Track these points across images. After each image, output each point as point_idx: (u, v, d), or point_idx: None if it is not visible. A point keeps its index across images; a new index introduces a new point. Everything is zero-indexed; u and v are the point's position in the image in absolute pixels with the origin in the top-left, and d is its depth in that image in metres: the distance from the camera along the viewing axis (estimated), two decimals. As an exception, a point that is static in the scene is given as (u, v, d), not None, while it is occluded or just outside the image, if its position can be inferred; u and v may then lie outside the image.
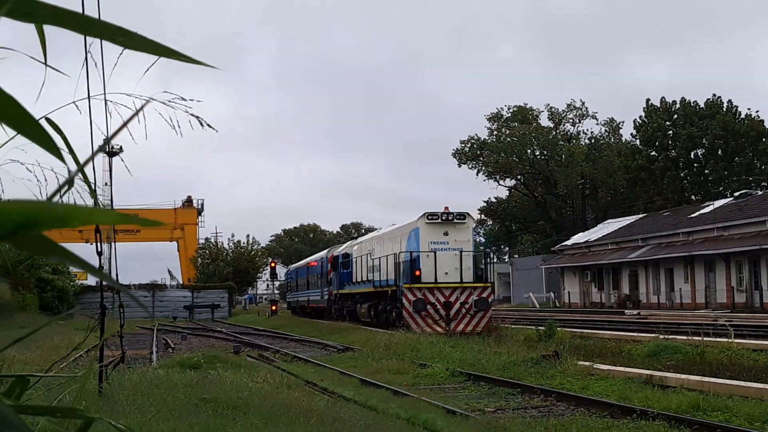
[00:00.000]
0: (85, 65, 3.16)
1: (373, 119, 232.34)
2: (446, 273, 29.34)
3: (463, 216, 30.30)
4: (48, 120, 1.59)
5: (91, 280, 59.78)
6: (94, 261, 8.81)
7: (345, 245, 45.94)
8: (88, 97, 3.16)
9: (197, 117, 3.12)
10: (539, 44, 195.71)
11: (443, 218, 29.85)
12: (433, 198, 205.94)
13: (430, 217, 29.86)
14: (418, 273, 29.31)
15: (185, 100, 3.18)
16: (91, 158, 1.20)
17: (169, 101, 3.04)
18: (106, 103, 3.13)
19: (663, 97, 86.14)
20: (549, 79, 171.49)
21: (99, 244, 8.82)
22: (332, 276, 43.54)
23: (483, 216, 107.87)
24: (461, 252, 29.49)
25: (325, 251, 52.51)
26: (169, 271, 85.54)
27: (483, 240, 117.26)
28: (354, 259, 38.75)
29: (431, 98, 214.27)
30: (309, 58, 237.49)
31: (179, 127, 3.23)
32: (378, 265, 33.42)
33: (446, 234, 29.81)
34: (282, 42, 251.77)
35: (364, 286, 35.90)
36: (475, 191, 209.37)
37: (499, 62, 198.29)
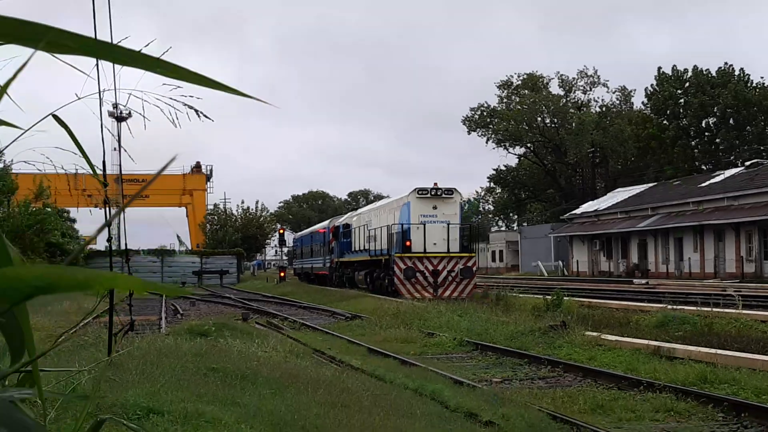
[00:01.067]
0: (97, 69, 3.19)
1: (376, 88, 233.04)
2: (434, 243, 32.02)
3: (450, 191, 32.78)
4: (55, 117, 1.57)
5: (100, 245, 59.90)
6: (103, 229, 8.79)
7: (345, 216, 48.37)
8: (99, 92, 3.15)
9: (195, 109, 3.12)
10: (538, 12, 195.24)
11: (432, 193, 32.42)
12: (439, 166, 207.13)
13: (420, 192, 32.46)
14: (408, 243, 32.09)
15: (185, 96, 3.19)
16: (118, 213, 1.18)
17: (170, 97, 3.04)
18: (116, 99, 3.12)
19: (674, 65, 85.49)
20: (548, 48, 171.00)
21: (108, 211, 8.82)
22: (334, 245, 45.94)
23: (492, 184, 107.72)
24: (449, 224, 32.07)
25: (328, 221, 55.14)
26: (177, 236, 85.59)
27: (492, 208, 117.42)
28: (353, 229, 41.04)
29: (433, 67, 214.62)
30: (310, 28, 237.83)
31: (177, 119, 3.24)
32: (374, 235, 36.02)
33: (435, 208, 32.38)
34: (282, 12, 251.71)
35: (362, 254, 38.36)
36: (483, 159, 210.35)
37: (498, 31, 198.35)
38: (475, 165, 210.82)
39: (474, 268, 32.42)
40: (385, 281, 33.45)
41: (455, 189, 33.09)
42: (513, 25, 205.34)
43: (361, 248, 38.55)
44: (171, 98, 3.10)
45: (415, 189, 32.70)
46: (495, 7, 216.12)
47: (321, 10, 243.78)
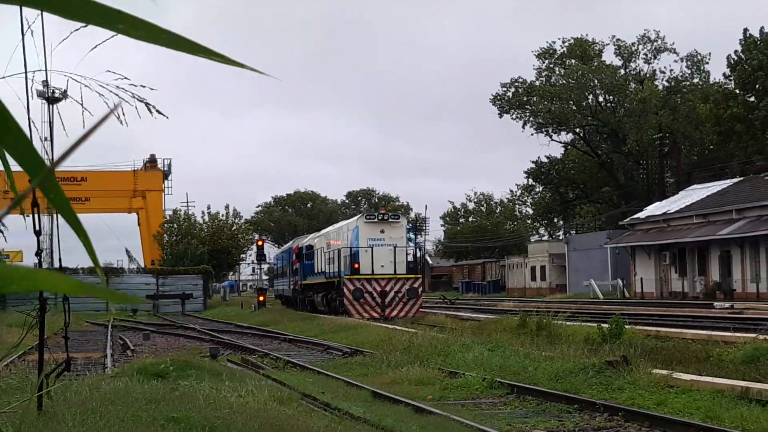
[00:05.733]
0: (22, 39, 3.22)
1: (346, 65, 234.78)
2: (382, 266, 41.17)
3: (397, 216, 43.87)
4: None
5: (28, 261, 60.06)
6: (32, 239, 8.84)
7: (309, 237, 59.79)
8: (25, 71, 3.16)
9: (147, 103, 3.15)
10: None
11: (380, 218, 42.59)
12: (440, 160, 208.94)
13: (368, 217, 42.81)
14: (357, 266, 41.18)
15: (133, 84, 3.23)
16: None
17: (117, 86, 3.07)
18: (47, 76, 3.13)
19: (762, 27, 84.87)
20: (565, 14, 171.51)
21: (38, 221, 8.84)
22: (297, 266, 57.05)
23: (530, 180, 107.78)
24: (395, 247, 41.41)
25: (291, 242, 68.07)
26: (127, 251, 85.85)
27: (530, 211, 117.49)
28: (315, 251, 51.45)
29: (408, 40, 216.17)
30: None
31: (124, 114, 3.28)
32: (330, 257, 45.49)
33: (382, 231, 41.64)
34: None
35: (320, 277, 48.58)
36: (497, 151, 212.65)
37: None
38: (490, 158, 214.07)
39: (420, 289, 42.40)
40: (337, 302, 42.76)
41: (401, 213, 45.88)
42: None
43: (322, 270, 48.34)
44: (118, 87, 3.12)
45: (363, 213, 44.28)
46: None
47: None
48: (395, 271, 41.15)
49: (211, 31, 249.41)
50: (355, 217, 44.31)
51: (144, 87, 3.10)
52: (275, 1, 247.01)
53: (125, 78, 2.98)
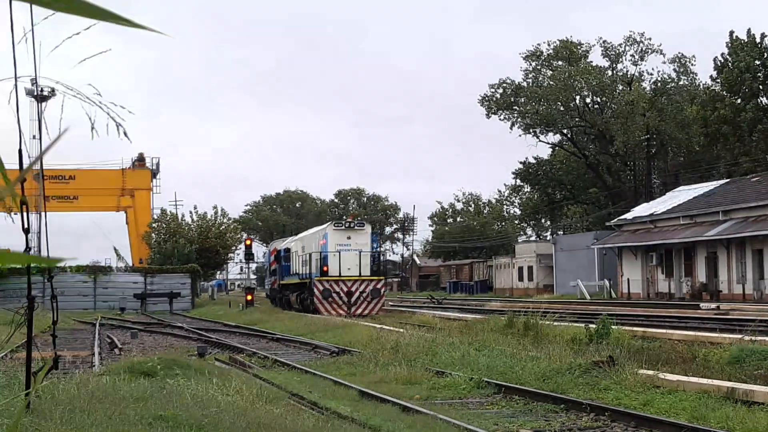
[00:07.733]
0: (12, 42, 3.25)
1: (325, 66, 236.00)
2: (349, 268, 45.36)
3: (362, 224, 48.04)
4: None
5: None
6: (18, 239, 8.81)
7: (288, 240, 64.21)
8: (15, 75, 3.18)
9: (118, 124, 3.20)
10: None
11: (347, 225, 46.94)
12: (425, 161, 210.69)
13: (336, 224, 47.24)
14: (325, 268, 45.50)
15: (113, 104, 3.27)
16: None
17: (96, 102, 3.10)
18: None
19: (749, 29, 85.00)
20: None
21: (26, 218, 8.81)
22: (275, 267, 61.53)
23: (518, 181, 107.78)
24: (360, 252, 45.58)
25: (270, 244, 74.67)
26: (115, 249, 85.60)
27: (518, 212, 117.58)
28: (292, 254, 55.73)
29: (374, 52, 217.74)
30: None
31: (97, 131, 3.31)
32: (304, 260, 49.71)
33: (349, 238, 46.05)
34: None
35: (295, 278, 52.97)
36: (480, 153, 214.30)
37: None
38: (473, 160, 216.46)
39: (382, 290, 46.64)
40: (308, 301, 47.20)
41: (366, 221, 50.57)
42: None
43: (297, 272, 52.64)
44: (100, 102, 3.14)
45: (331, 221, 49.35)
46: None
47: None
48: (360, 273, 45.30)
49: (182, 33, 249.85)
50: (325, 224, 49.24)
51: (123, 108, 3.18)
52: (249, 5, 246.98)
53: (99, 94, 3.05)
